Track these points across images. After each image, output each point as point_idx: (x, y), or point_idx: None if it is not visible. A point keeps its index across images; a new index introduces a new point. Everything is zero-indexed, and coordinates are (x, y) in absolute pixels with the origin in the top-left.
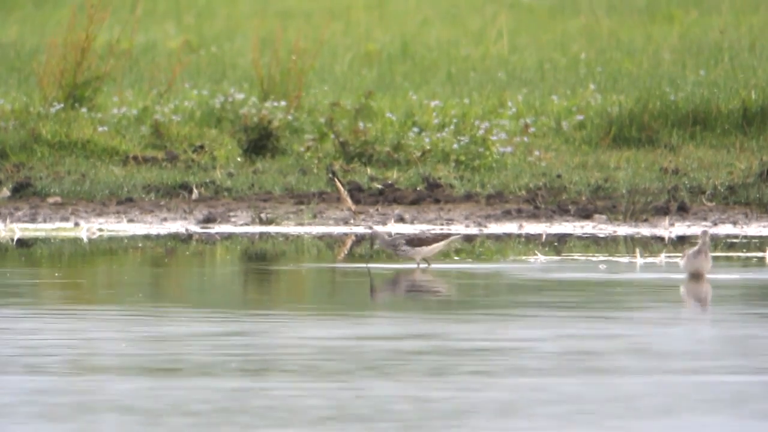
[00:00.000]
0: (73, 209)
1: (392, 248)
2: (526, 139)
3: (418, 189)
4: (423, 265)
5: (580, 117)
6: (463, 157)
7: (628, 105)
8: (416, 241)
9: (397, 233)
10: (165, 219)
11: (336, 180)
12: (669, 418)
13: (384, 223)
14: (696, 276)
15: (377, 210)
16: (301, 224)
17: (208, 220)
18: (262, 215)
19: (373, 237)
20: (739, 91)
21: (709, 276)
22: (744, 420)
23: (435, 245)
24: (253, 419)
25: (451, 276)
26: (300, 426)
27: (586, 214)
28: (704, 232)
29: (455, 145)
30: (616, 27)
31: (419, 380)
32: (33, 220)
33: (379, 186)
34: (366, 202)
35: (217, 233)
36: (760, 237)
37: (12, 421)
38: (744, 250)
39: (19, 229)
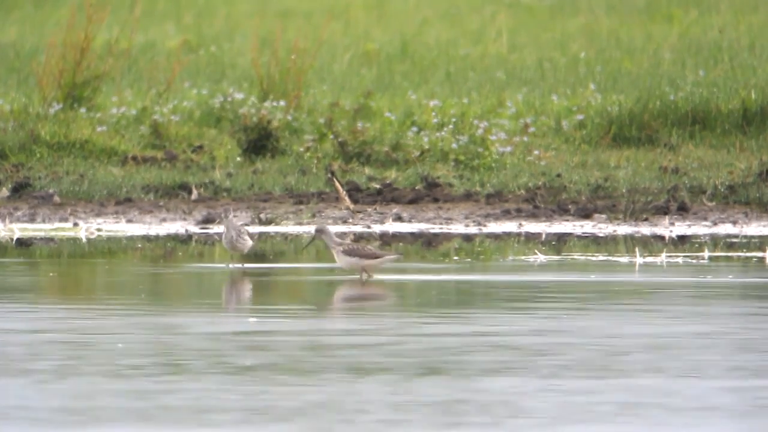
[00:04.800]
0: (72, 209)
1: (333, 248)
2: (525, 138)
3: (416, 188)
4: (364, 277)
5: (580, 116)
6: (462, 157)
7: (628, 104)
8: (354, 252)
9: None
10: (164, 219)
11: (335, 180)
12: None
13: (382, 222)
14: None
15: (375, 209)
16: (301, 224)
17: (208, 220)
18: (262, 215)
19: (319, 232)
20: (739, 91)
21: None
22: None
23: (371, 261)
24: (232, 417)
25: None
26: (295, 422)
27: (585, 214)
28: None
29: (454, 145)
30: (615, 27)
31: (412, 378)
32: (32, 220)
33: (378, 186)
34: (364, 201)
35: (216, 234)
36: (760, 237)
37: (9, 422)
38: (744, 250)
39: (19, 229)
